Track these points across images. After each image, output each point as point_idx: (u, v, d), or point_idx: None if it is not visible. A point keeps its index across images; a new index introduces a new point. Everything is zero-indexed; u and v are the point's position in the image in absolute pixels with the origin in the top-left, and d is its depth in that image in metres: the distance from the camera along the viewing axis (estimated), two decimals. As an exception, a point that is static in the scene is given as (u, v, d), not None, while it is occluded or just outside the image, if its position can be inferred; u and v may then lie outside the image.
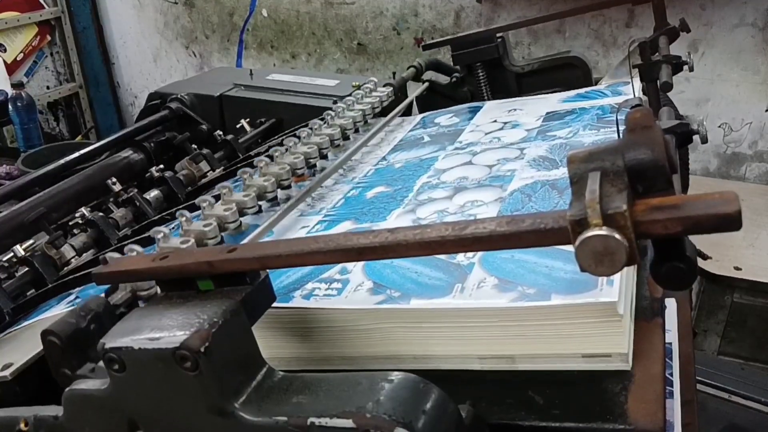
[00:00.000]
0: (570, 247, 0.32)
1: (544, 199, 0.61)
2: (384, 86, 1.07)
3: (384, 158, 0.86)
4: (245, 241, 0.65)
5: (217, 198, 0.71)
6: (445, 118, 0.97)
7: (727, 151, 2.03)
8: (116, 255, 0.60)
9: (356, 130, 0.95)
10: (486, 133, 0.85)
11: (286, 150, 0.82)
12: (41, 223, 0.86)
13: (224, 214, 0.66)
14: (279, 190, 0.76)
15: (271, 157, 0.81)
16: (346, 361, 0.51)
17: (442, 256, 0.53)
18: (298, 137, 0.86)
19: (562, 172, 0.65)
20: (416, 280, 0.51)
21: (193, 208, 0.71)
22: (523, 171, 0.69)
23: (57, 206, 0.91)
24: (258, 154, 1.02)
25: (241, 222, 0.69)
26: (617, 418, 0.41)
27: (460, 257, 0.53)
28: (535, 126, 0.83)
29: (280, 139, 1.09)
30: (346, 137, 0.92)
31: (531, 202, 0.61)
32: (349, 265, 0.56)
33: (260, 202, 0.73)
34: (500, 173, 0.70)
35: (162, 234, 0.60)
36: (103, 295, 0.52)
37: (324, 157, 0.86)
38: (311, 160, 0.82)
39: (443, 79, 1.20)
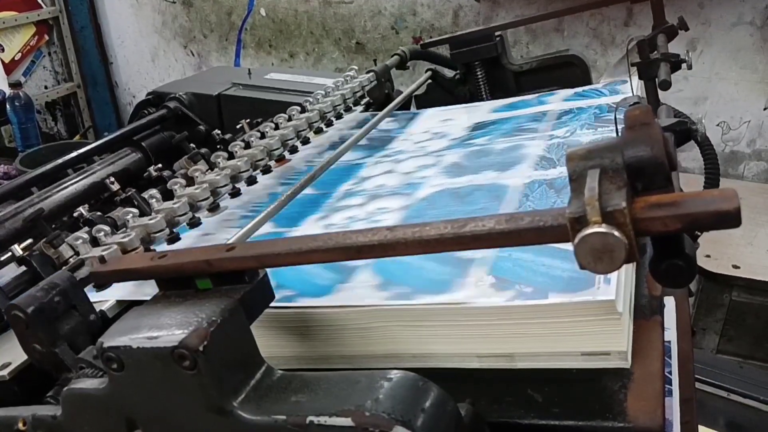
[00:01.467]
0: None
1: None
2: (366, 72, 1.08)
3: (320, 155, 0.87)
4: (236, 233, 0.66)
5: (191, 180, 0.73)
6: (384, 122, 0.98)
7: (725, 150, 2.03)
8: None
9: (338, 116, 0.95)
10: (415, 143, 0.86)
11: (262, 135, 0.84)
12: (39, 223, 0.86)
13: (195, 192, 0.67)
14: (260, 174, 0.77)
15: (247, 142, 0.82)
16: (345, 359, 0.51)
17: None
18: (276, 123, 0.87)
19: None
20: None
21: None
22: (434, 178, 0.70)
23: (55, 206, 0.91)
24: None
25: (218, 204, 0.70)
26: (616, 416, 0.41)
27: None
28: (460, 135, 0.84)
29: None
30: (328, 123, 0.92)
31: (431, 209, 0.62)
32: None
33: (237, 184, 0.74)
34: (413, 180, 0.72)
35: (102, 232, 0.62)
36: (68, 270, 0.52)
37: (305, 141, 0.86)
38: (288, 142, 0.83)
39: (448, 72, 1.20)
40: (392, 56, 1.18)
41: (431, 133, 0.89)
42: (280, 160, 0.82)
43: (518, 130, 0.80)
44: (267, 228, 0.67)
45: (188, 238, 0.68)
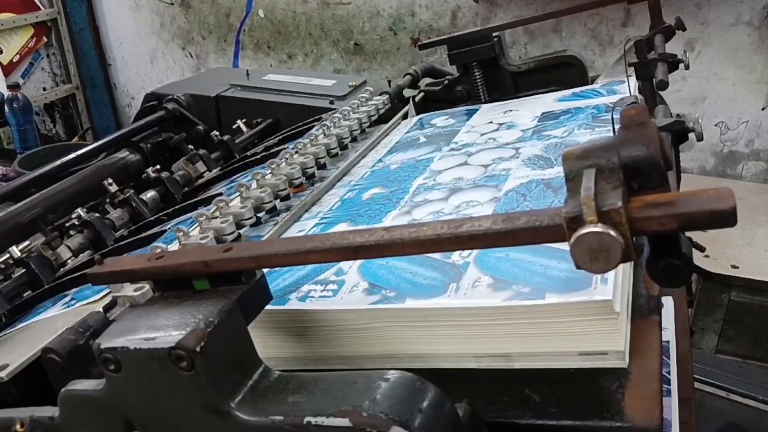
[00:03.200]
0: (565, 246, 0.32)
1: (539, 198, 0.61)
2: (380, 94, 1.07)
3: (380, 160, 0.86)
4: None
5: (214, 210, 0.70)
6: (441, 119, 0.97)
7: (723, 150, 2.04)
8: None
9: (353, 139, 0.95)
10: (482, 134, 0.85)
11: (284, 161, 0.82)
12: (37, 224, 0.86)
13: (221, 226, 0.66)
14: (278, 201, 0.76)
15: (261, 175, 0.80)
16: (343, 360, 0.51)
17: (437, 256, 0.53)
18: (296, 149, 0.86)
19: (557, 171, 0.65)
20: (411, 280, 0.51)
21: (190, 208, 0.71)
22: (518, 170, 0.69)
23: (53, 207, 0.91)
24: (254, 155, 1.02)
25: (240, 234, 0.68)
26: (614, 416, 0.41)
27: (456, 257, 0.53)
28: (531, 126, 0.83)
29: (276, 139, 1.09)
30: (343, 146, 0.91)
31: (526, 201, 0.61)
32: (345, 267, 0.55)
33: (259, 214, 0.72)
34: (495, 173, 0.70)
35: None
36: (101, 310, 0.52)
37: (322, 166, 0.85)
38: (308, 170, 0.82)
39: (438, 85, 1.20)
40: (404, 76, 1.18)
41: (496, 124, 0.88)
42: (297, 187, 0.81)
43: (597, 120, 0.78)
44: (344, 227, 0.66)
45: None
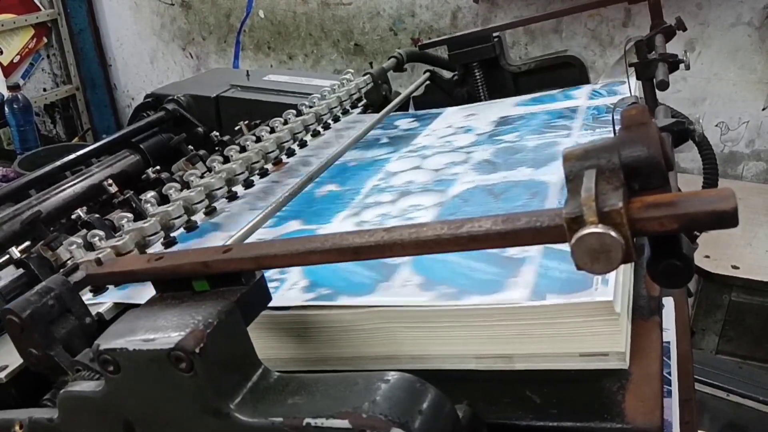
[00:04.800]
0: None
1: (479, 204, 0.62)
2: (363, 75, 1.08)
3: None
4: (201, 240, 0.66)
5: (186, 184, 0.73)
6: (406, 121, 0.98)
7: (724, 150, 2.03)
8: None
9: (335, 119, 0.95)
10: (439, 137, 0.86)
11: (258, 139, 0.84)
12: (37, 225, 0.86)
13: (190, 195, 0.67)
14: (257, 177, 0.77)
15: (242, 146, 0.82)
16: (343, 361, 0.51)
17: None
18: (272, 127, 0.87)
19: (501, 176, 0.66)
20: (347, 278, 0.52)
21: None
22: (465, 175, 0.70)
23: (53, 208, 0.91)
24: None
25: (215, 207, 0.69)
26: (615, 417, 0.41)
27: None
28: (487, 130, 0.84)
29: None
30: (325, 125, 0.92)
31: (467, 206, 0.62)
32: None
33: (233, 187, 0.74)
34: (445, 177, 0.71)
35: (97, 237, 0.62)
36: (62, 274, 0.52)
37: (303, 144, 0.86)
38: (284, 144, 0.83)
39: (446, 74, 1.20)
40: (389, 59, 1.19)
41: (455, 128, 0.88)
42: (277, 163, 0.82)
43: (548, 126, 0.79)
44: (295, 226, 0.67)
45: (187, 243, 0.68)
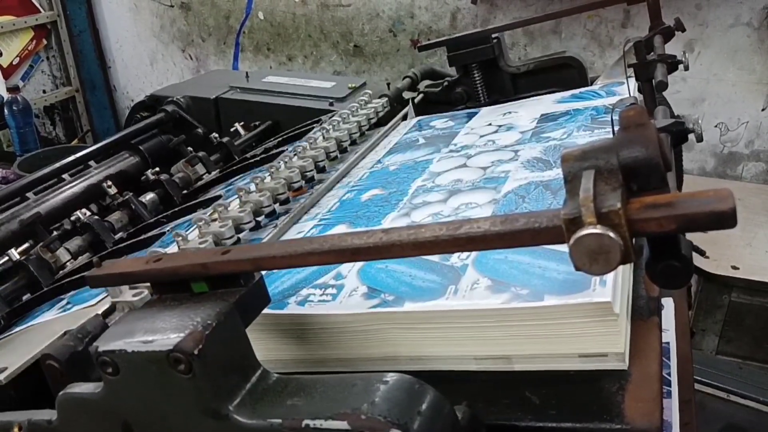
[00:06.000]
0: (563, 247, 0.31)
1: (537, 200, 0.61)
2: (379, 97, 1.07)
3: (379, 161, 0.85)
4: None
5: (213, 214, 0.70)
6: (440, 121, 0.97)
7: (723, 151, 2.03)
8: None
9: (353, 142, 0.94)
10: (481, 136, 0.85)
11: (282, 164, 0.81)
12: (36, 227, 0.86)
13: (220, 230, 0.65)
14: (277, 204, 0.76)
15: (261, 178, 0.80)
16: (342, 363, 0.51)
17: (436, 258, 0.53)
18: (295, 152, 0.85)
19: (555, 173, 0.65)
20: (410, 283, 0.51)
21: (189, 211, 0.70)
22: (517, 172, 0.69)
23: (52, 210, 0.90)
24: (254, 157, 1.02)
25: (239, 238, 0.68)
26: (614, 418, 0.41)
27: (455, 259, 0.53)
28: (530, 128, 0.82)
29: (276, 141, 1.09)
30: (342, 149, 0.91)
31: (525, 203, 0.61)
32: (344, 271, 0.55)
33: (258, 218, 0.72)
34: (494, 175, 0.70)
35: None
36: (100, 315, 0.52)
37: (321, 170, 0.85)
38: (307, 174, 0.82)
39: (437, 86, 1.19)
40: (403, 78, 1.18)
41: (495, 126, 0.88)
42: (297, 190, 0.80)
43: (597, 122, 0.78)
44: (343, 229, 0.66)
45: None
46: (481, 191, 0.67)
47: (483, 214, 0.61)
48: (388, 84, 1.21)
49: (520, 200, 0.62)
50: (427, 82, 1.21)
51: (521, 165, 0.70)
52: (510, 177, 0.68)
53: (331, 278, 0.55)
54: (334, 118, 0.97)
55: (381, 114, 1.04)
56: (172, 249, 0.66)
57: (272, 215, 0.74)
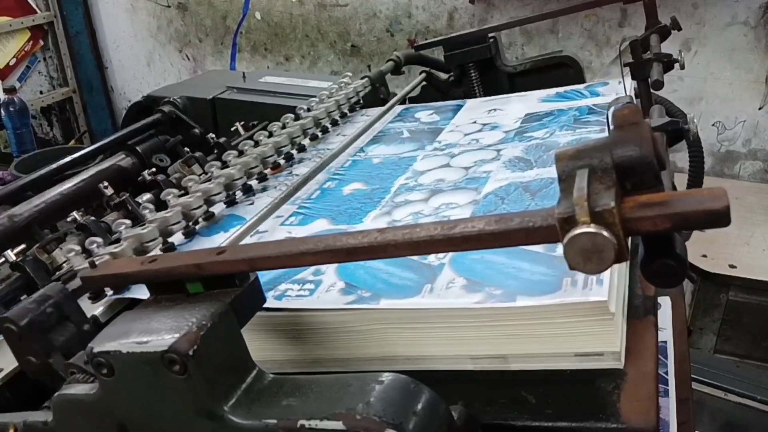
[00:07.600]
0: (538, 248, 0.31)
1: (516, 202, 0.61)
2: (361, 78, 1.07)
3: (362, 149, 0.86)
4: (227, 235, 0.66)
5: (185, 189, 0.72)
6: (425, 114, 0.97)
7: (720, 150, 2.04)
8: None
9: (334, 122, 0.95)
10: (465, 134, 0.85)
11: (256, 143, 0.83)
12: (33, 228, 0.86)
13: (188, 201, 0.67)
14: (255, 181, 0.77)
15: (240, 151, 0.81)
16: (338, 362, 0.51)
17: (414, 257, 0.53)
18: (270, 131, 0.87)
19: (535, 173, 0.66)
20: (387, 280, 0.51)
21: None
22: (498, 173, 0.69)
23: (49, 211, 0.90)
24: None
25: (213, 213, 0.69)
26: (610, 417, 0.41)
27: (432, 258, 0.53)
28: (514, 127, 0.83)
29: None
30: (324, 129, 0.92)
31: (504, 204, 0.62)
32: (323, 267, 0.55)
33: (231, 191, 0.73)
34: (476, 175, 0.70)
35: (95, 244, 0.62)
36: (60, 282, 0.52)
37: (301, 148, 0.86)
38: (282, 149, 0.82)
39: (442, 75, 1.19)
40: (387, 61, 1.18)
41: (480, 124, 0.88)
42: (276, 167, 0.81)
43: (580, 122, 0.78)
44: (324, 225, 0.66)
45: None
46: (462, 192, 0.67)
47: (463, 214, 0.62)
48: (369, 66, 1.21)
49: (500, 201, 0.62)
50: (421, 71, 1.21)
51: (503, 165, 0.71)
52: (491, 178, 0.68)
53: (310, 274, 0.55)
54: (312, 98, 0.98)
55: (362, 94, 1.04)
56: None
57: (249, 191, 0.76)
